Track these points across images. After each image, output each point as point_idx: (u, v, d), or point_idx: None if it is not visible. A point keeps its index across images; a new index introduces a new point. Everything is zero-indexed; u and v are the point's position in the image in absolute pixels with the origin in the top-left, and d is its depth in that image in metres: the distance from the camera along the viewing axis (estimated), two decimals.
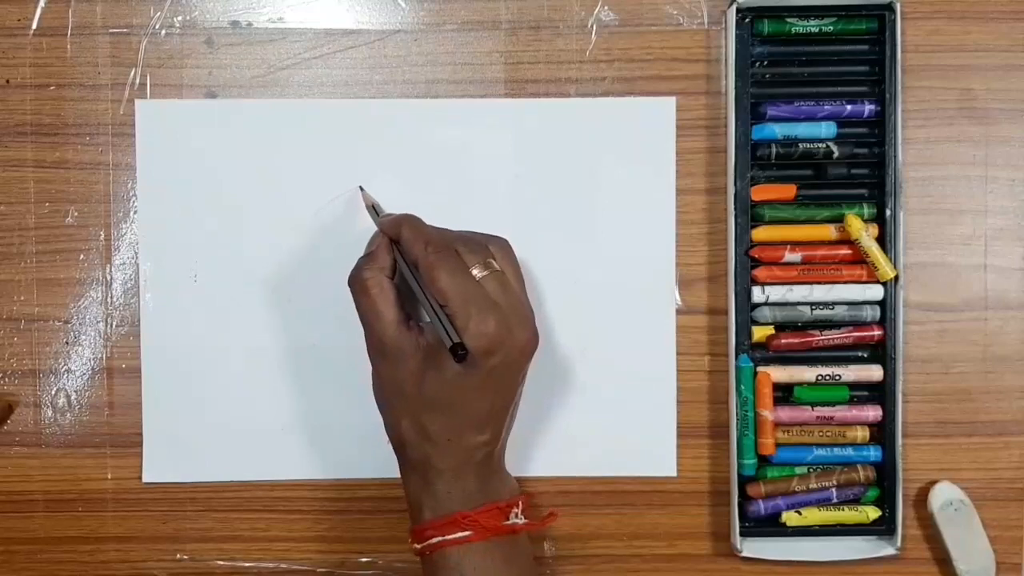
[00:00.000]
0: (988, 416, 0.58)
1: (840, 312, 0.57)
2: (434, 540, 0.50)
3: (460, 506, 0.50)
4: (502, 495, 0.52)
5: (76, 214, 0.58)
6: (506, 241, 0.53)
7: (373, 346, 0.51)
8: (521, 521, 0.51)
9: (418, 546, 0.50)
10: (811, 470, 0.58)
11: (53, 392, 0.58)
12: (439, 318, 0.49)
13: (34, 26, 0.57)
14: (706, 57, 0.58)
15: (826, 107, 0.57)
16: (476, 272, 0.50)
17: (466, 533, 0.49)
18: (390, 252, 0.51)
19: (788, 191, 0.57)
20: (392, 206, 0.57)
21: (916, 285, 0.58)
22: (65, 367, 0.58)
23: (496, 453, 0.53)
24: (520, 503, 0.51)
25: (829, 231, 0.57)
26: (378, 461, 0.58)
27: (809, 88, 0.57)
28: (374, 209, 0.55)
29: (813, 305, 0.57)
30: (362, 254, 0.53)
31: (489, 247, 0.51)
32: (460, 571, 0.49)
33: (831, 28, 0.56)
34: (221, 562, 0.59)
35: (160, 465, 0.58)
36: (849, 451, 0.57)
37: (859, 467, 0.57)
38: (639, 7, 0.58)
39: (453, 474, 0.50)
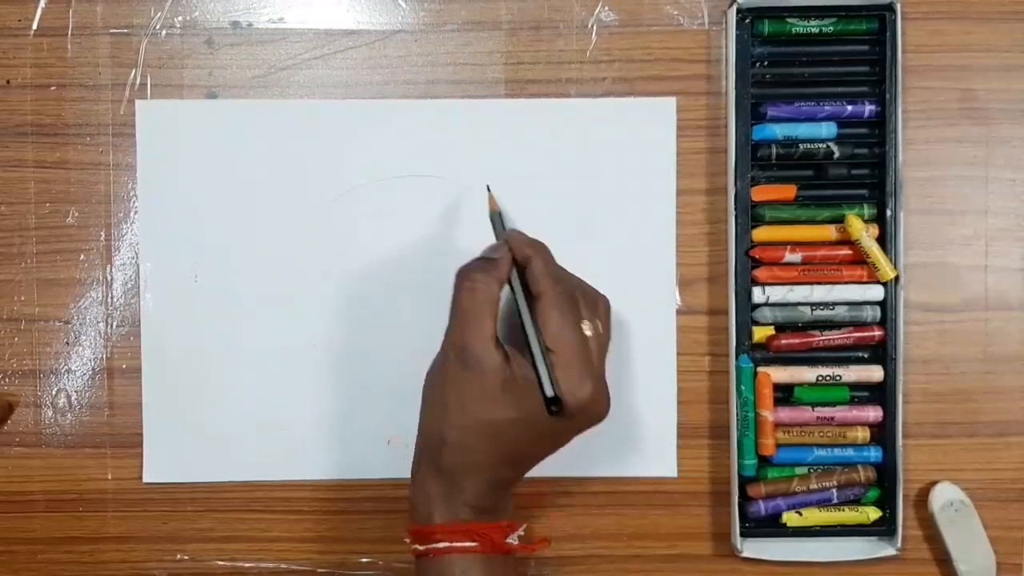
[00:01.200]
0: (988, 417, 0.58)
1: (840, 312, 0.57)
2: (440, 544, 0.49)
3: (470, 517, 0.50)
4: (508, 515, 0.52)
5: (76, 214, 0.58)
6: (609, 302, 0.52)
7: (456, 348, 0.49)
8: (517, 543, 0.51)
9: (420, 547, 0.50)
10: (811, 470, 0.58)
11: (54, 392, 0.58)
12: (545, 364, 0.48)
13: (35, 26, 0.57)
14: (706, 57, 0.58)
15: (826, 107, 0.57)
16: (586, 329, 0.49)
17: (473, 544, 0.49)
18: (510, 269, 0.50)
19: (788, 191, 0.57)
20: (392, 205, 0.57)
21: (916, 285, 0.58)
22: (66, 367, 0.58)
23: (514, 483, 0.53)
24: (522, 528, 0.52)
25: (829, 231, 0.57)
26: (378, 462, 0.58)
27: (809, 88, 0.57)
28: (499, 216, 0.54)
29: (813, 306, 0.57)
30: (480, 255, 0.51)
31: (599, 305, 0.51)
32: None
33: (831, 28, 0.56)
34: (221, 562, 0.59)
35: (160, 465, 0.58)
36: (850, 452, 0.57)
37: (859, 468, 0.57)
38: (639, 7, 0.58)
39: (475, 491, 0.50)
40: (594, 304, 0.51)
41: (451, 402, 0.49)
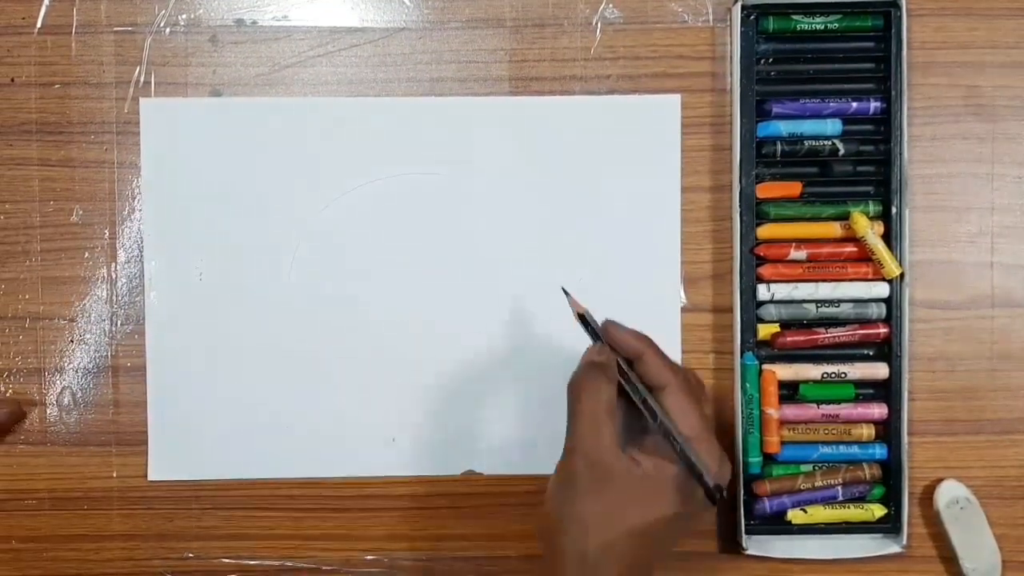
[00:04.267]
0: (994, 414, 0.58)
1: (846, 310, 0.57)
2: None
3: None
4: None
5: (81, 212, 0.58)
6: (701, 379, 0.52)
7: (584, 460, 0.47)
8: None
9: None
10: (816, 468, 0.57)
11: (58, 390, 0.58)
12: (692, 464, 0.46)
13: (39, 24, 0.57)
14: (711, 54, 0.58)
15: (832, 104, 0.57)
16: (706, 409, 0.49)
17: None
18: (616, 368, 0.48)
19: (793, 188, 0.57)
20: (396, 203, 0.57)
21: (922, 283, 0.58)
22: (70, 365, 0.58)
23: None
24: None
25: (835, 228, 0.57)
26: (382, 460, 0.58)
27: (814, 85, 0.57)
28: (588, 316, 0.50)
29: (818, 303, 0.57)
30: (583, 361, 0.49)
31: (701, 382, 0.51)
32: None
33: (836, 25, 0.56)
34: (226, 560, 0.59)
35: (165, 463, 0.58)
36: (855, 449, 0.57)
37: (865, 465, 0.57)
38: (644, 4, 0.58)
39: None
40: (699, 383, 0.50)
41: (590, 518, 0.47)
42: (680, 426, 0.47)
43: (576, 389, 0.48)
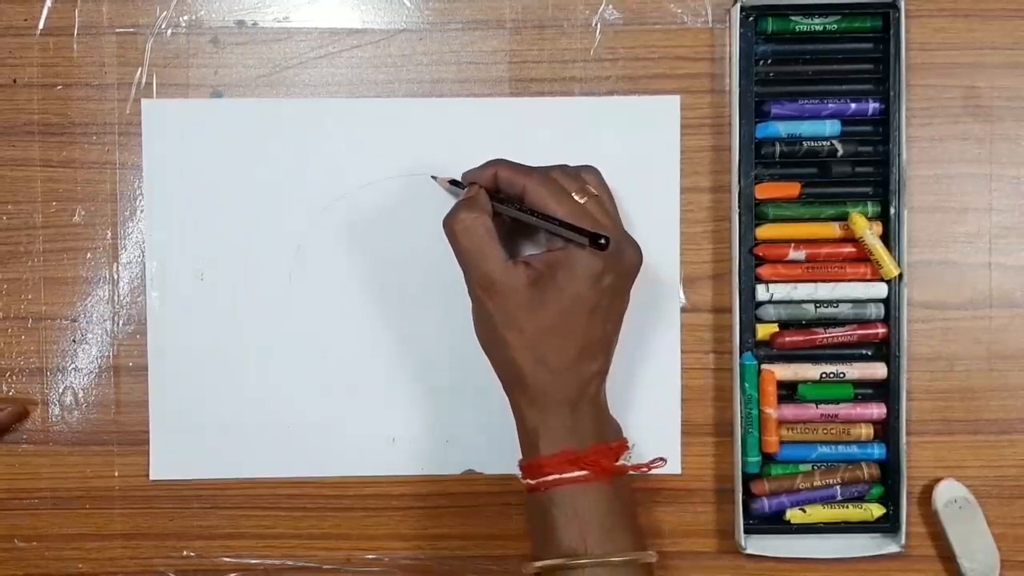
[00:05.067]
0: (992, 414, 0.58)
1: (844, 310, 0.57)
2: (550, 478, 0.49)
3: (576, 443, 0.50)
4: (612, 436, 0.52)
5: (83, 213, 0.58)
6: (597, 169, 0.54)
7: (480, 285, 0.51)
8: (630, 463, 0.51)
9: (532, 481, 0.50)
10: (815, 468, 0.58)
11: (60, 390, 0.58)
12: (566, 227, 0.50)
13: (41, 26, 0.58)
14: (710, 55, 0.58)
15: (830, 105, 0.57)
16: (578, 198, 0.51)
17: (583, 472, 0.49)
18: (487, 198, 0.52)
19: (792, 189, 0.57)
20: (396, 203, 0.58)
21: (920, 283, 0.58)
22: (72, 365, 0.58)
23: (603, 389, 0.53)
24: (629, 447, 0.52)
25: (833, 229, 0.57)
26: (382, 459, 0.58)
27: (813, 86, 0.57)
28: (452, 181, 0.55)
29: (817, 303, 0.57)
30: (456, 202, 0.53)
31: (582, 175, 0.53)
32: (575, 510, 0.49)
33: (835, 26, 0.56)
34: (227, 559, 0.59)
35: (167, 463, 0.58)
36: (853, 449, 0.57)
37: (863, 465, 0.57)
38: (643, 6, 0.58)
39: (571, 407, 0.50)
40: (575, 176, 0.52)
41: (506, 334, 0.50)
42: (549, 212, 0.50)
43: (450, 228, 0.51)
